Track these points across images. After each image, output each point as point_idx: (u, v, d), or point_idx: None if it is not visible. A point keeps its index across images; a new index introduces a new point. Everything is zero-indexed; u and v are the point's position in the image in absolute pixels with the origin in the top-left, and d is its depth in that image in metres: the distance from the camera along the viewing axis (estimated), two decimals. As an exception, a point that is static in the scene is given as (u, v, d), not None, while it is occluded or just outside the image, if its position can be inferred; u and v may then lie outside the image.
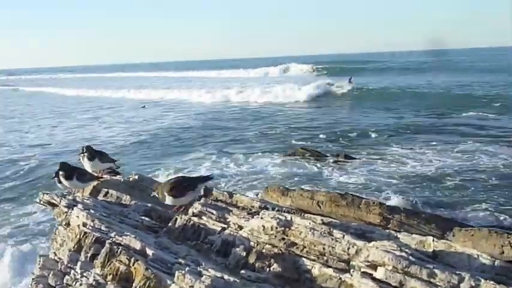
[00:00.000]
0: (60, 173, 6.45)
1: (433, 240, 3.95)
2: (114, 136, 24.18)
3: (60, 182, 6.69)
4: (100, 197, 6.60)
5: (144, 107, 38.53)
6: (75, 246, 5.34)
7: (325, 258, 4.12)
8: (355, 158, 16.21)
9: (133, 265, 4.33)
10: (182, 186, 5.65)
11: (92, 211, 5.62)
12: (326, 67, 71.36)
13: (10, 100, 54.89)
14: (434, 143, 18.22)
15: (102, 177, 7.20)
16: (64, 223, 5.90)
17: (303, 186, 10.75)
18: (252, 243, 4.54)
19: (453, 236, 5.34)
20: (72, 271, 5.00)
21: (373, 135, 20.85)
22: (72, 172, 6.46)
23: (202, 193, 6.02)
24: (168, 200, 5.61)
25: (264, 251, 4.41)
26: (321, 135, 21.20)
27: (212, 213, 5.26)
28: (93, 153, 7.33)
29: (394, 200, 11.34)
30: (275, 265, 4.19)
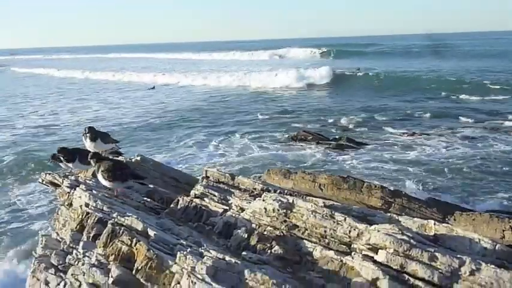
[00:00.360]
0: (62, 157, 6.44)
1: (434, 224, 3.96)
2: (124, 117, 24.30)
3: (57, 162, 6.73)
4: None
5: (153, 88, 39.03)
6: (78, 226, 5.37)
7: (326, 240, 4.13)
8: (359, 143, 16.18)
9: (135, 246, 4.34)
10: (119, 173, 5.68)
11: (95, 192, 5.64)
12: (329, 50, 70.28)
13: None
14: (442, 127, 18.14)
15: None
16: (66, 203, 5.92)
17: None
18: (253, 225, 4.56)
19: (454, 220, 5.35)
20: (75, 251, 5.03)
21: (379, 118, 20.83)
22: (74, 154, 6.45)
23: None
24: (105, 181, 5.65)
25: (265, 233, 4.42)
26: (330, 120, 21.14)
27: (214, 195, 5.28)
28: (96, 134, 7.32)
29: (400, 184, 11.37)
30: (276, 247, 4.20)
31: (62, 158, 6.52)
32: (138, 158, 7.48)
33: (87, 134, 7.27)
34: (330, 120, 20.95)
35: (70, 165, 6.53)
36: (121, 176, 5.67)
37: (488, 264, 3.33)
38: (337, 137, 16.92)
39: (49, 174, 6.90)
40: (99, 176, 5.65)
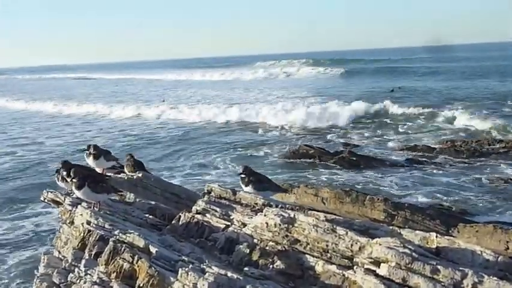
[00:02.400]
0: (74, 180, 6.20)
1: (437, 237, 3.96)
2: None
3: (61, 180, 6.70)
4: (114, 196, 6.62)
5: (163, 101, 38.76)
6: (79, 244, 5.38)
7: (328, 255, 4.13)
8: (361, 156, 16.13)
9: (137, 263, 4.35)
10: (101, 185, 5.76)
11: (96, 209, 5.66)
12: (341, 70, 59.98)
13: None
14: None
15: (106, 175, 7.23)
16: (68, 221, 5.94)
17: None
18: (255, 241, 4.56)
19: (458, 232, 5.36)
20: (77, 269, 5.03)
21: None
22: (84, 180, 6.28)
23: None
24: (85, 191, 5.66)
25: (267, 248, 4.43)
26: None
27: (216, 211, 5.29)
28: (99, 152, 7.37)
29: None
30: (278, 262, 4.20)
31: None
32: (140, 175, 7.50)
33: (91, 152, 7.31)
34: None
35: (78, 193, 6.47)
36: (106, 188, 5.82)
37: (491, 277, 3.33)
38: (339, 151, 16.83)
39: (51, 192, 6.92)
40: (85, 190, 5.66)
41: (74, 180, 5.68)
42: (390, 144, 18.80)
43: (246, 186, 5.90)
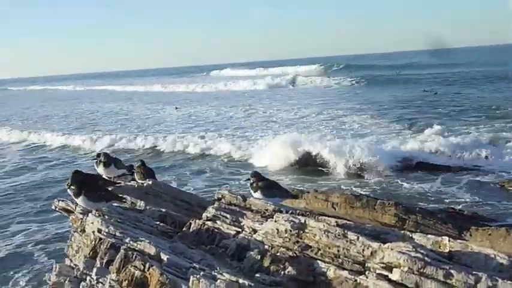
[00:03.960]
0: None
1: (449, 241, 3.93)
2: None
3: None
4: (115, 203, 6.65)
5: (176, 108, 37.61)
6: (91, 252, 5.39)
7: (340, 260, 4.11)
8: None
9: (148, 270, 4.36)
10: (98, 193, 5.80)
11: (107, 217, 5.68)
12: (358, 79, 52.46)
13: None
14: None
15: (117, 183, 7.27)
16: (79, 229, 5.96)
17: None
18: (266, 247, 4.55)
19: (470, 235, 5.32)
20: (88, 277, 5.04)
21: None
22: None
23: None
24: (82, 199, 5.70)
25: (278, 254, 4.42)
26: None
27: (226, 217, 5.28)
28: (109, 160, 7.41)
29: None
30: (290, 268, 4.19)
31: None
32: (150, 182, 7.52)
33: (102, 160, 7.35)
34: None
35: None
36: (105, 196, 5.86)
37: (505, 280, 3.29)
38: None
39: (62, 201, 6.95)
40: (82, 198, 5.70)
41: (71, 188, 5.73)
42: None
43: (255, 192, 5.89)
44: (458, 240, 4.01)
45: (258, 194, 5.84)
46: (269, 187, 5.94)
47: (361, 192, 11.37)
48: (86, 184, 5.79)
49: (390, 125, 22.78)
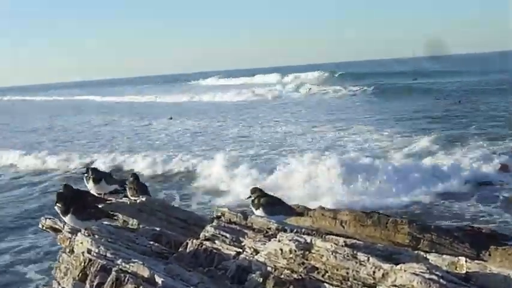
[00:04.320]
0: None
1: (466, 261, 3.93)
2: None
3: None
4: (105, 221, 6.66)
5: (171, 118, 37.98)
6: (80, 274, 5.38)
7: (349, 283, 4.11)
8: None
9: (141, 294, 4.36)
10: (86, 210, 5.85)
11: (97, 236, 5.68)
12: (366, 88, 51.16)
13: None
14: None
15: (108, 200, 7.27)
16: (68, 250, 5.95)
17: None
18: (269, 269, 4.55)
19: (489, 255, 5.30)
20: (77, 302, 5.05)
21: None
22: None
23: None
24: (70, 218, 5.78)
25: (282, 276, 4.41)
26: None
27: (226, 237, 5.29)
28: (100, 175, 7.42)
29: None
30: (294, 291, 4.19)
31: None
32: (144, 199, 7.53)
33: (91, 176, 7.36)
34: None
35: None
36: (95, 213, 5.91)
37: (527, 304, 3.29)
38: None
39: (49, 219, 6.94)
40: (70, 216, 5.76)
41: (58, 205, 5.76)
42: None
43: (257, 209, 5.89)
44: (476, 261, 4.02)
45: (260, 212, 5.83)
46: (272, 204, 5.93)
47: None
48: (74, 201, 5.81)
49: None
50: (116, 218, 6.42)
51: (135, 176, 7.94)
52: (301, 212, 7.22)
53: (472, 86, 48.93)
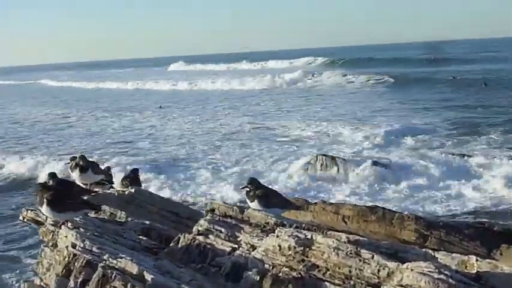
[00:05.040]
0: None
1: (477, 260, 3.94)
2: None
3: None
4: (91, 214, 6.64)
5: (160, 107, 39.14)
6: (64, 270, 5.39)
7: (351, 282, 4.13)
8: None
9: (129, 292, 4.36)
10: (64, 201, 5.79)
11: (82, 230, 5.67)
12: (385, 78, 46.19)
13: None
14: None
15: (93, 191, 7.25)
16: (51, 244, 5.95)
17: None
18: (266, 266, 4.56)
19: (501, 254, 5.32)
20: (61, 299, 5.05)
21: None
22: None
23: None
24: (46, 210, 5.76)
25: (280, 274, 4.42)
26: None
27: (220, 231, 5.29)
28: (86, 164, 7.40)
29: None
30: (293, 291, 4.20)
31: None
32: (132, 190, 7.52)
33: (78, 163, 7.33)
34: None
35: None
36: (73, 205, 5.84)
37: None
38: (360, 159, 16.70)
39: (31, 210, 6.93)
40: (45, 208, 5.73)
41: (36, 196, 5.76)
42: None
43: (252, 201, 5.87)
44: (487, 260, 4.03)
45: (255, 204, 5.82)
46: (267, 196, 5.93)
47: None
48: (52, 191, 5.79)
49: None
50: (101, 210, 6.41)
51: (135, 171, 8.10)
52: (301, 205, 7.22)
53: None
